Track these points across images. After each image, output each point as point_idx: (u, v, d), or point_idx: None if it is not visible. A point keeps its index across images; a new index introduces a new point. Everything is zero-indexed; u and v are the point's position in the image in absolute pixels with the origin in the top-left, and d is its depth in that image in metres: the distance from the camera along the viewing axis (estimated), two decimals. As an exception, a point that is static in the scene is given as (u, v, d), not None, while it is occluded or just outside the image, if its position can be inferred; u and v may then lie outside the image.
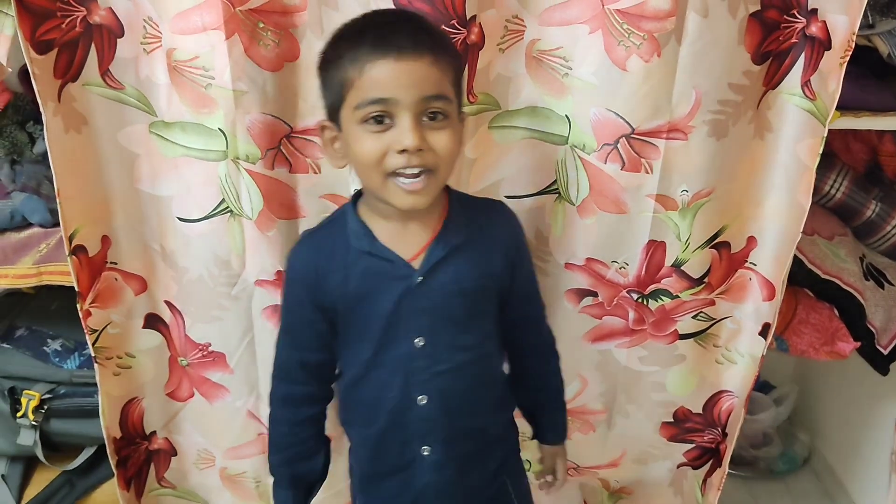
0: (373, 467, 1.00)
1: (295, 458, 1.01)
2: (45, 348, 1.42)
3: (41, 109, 0.98)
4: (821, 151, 1.04)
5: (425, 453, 0.96)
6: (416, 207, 0.85)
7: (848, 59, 0.97)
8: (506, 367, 1.07)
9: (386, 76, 0.81)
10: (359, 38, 0.83)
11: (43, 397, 1.37)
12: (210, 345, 1.17)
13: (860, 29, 1.26)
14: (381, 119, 0.82)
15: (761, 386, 1.91)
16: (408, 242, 0.91)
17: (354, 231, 0.91)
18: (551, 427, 1.11)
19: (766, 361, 1.90)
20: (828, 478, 1.79)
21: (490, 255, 0.94)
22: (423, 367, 0.93)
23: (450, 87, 0.85)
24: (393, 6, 0.94)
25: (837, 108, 1.19)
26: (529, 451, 1.33)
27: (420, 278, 0.90)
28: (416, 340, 0.92)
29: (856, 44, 1.30)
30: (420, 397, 0.94)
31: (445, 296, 0.91)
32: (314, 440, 1.01)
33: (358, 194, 0.94)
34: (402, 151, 0.82)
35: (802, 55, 1.03)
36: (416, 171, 0.83)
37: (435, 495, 0.99)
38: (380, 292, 0.91)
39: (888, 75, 1.31)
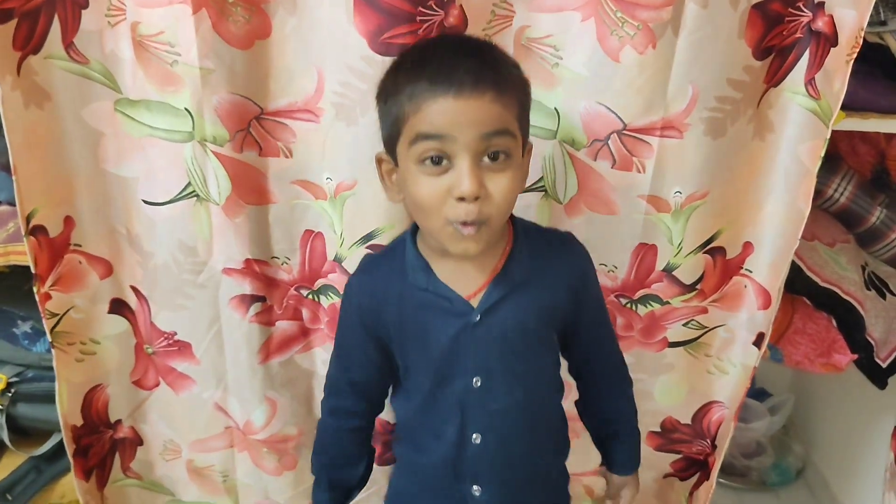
0: (418, 494, 0.97)
1: (337, 464, 1.00)
2: (14, 330, 1.38)
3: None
4: (823, 154, 0.97)
5: (476, 493, 0.92)
6: (467, 254, 0.81)
7: (855, 56, 0.90)
8: (575, 394, 1.03)
9: (444, 113, 0.75)
10: (419, 71, 0.78)
11: (10, 380, 1.33)
12: (176, 333, 1.12)
13: (871, 26, 1.21)
14: (440, 160, 0.77)
15: (757, 394, 1.85)
16: (468, 279, 0.87)
17: (412, 265, 0.87)
18: (622, 456, 1.05)
19: (763, 369, 1.86)
20: (821, 492, 1.73)
21: (553, 290, 0.90)
22: (478, 405, 0.89)
23: (514, 121, 0.79)
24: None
25: (843, 109, 1.13)
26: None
27: (478, 317, 0.85)
28: (473, 379, 0.88)
29: (866, 41, 1.25)
30: (475, 435, 0.90)
31: (504, 334, 0.87)
32: (357, 449, 1.00)
33: (415, 225, 0.89)
34: (461, 199, 0.77)
35: (807, 51, 0.97)
36: (473, 220, 0.77)
37: None
38: (436, 328, 0.87)
39: (897, 76, 1.25)
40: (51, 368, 1.33)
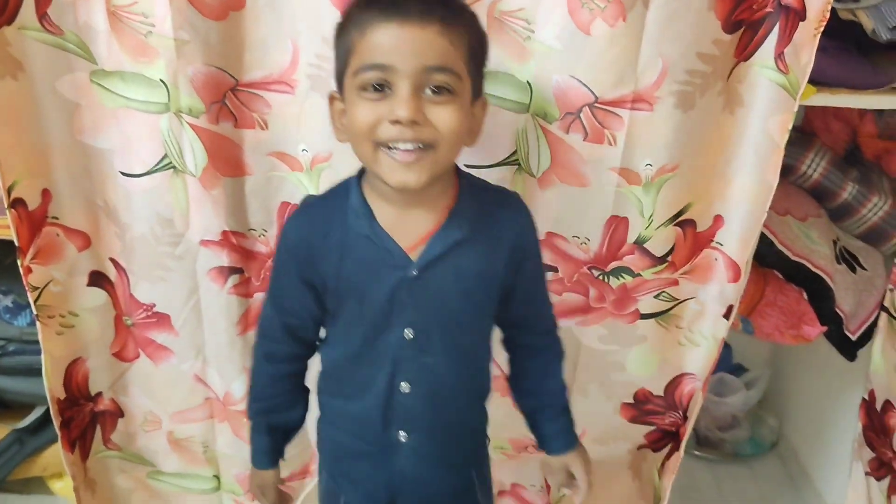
0: (350, 445, 0.98)
1: (274, 409, 0.99)
2: (-5, 304, 1.39)
3: (-29, 53, 0.93)
4: (790, 128, 0.99)
5: (403, 439, 0.94)
6: (407, 185, 0.79)
7: (822, 30, 0.92)
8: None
9: (387, 41, 0.75)
10: (370, 2, 0.78)
11: (-10, 353, 1.35)
12: (154, 305, 1.14)
13: (844, 2, 1.23)
14: (381, 87, 0.77)
15: (733, 369, 1.88)
16: (409, 229, 0.86)
17: (354, 209, 0.86)
18: (555, 435, 1.02)
19: (739, 345, 1.89)
20: (793, 464, 1.78)
21: (494, 252, 0.89)
22: (410, 357, 0.90)
23: (461, 62, 0.78)
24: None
25: (815, 84, 1.16)
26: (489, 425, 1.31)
27: (415, 272, 0.85)
28: (406, 331, 0.88)
29: (840, 18, 1.26)
30: (404, 384, 0.91)
31: (441, 292, 0.87)
32: (293, 393, 1.00)
33: (363, 169, 0.88)
34: (396, 122, 0.76)
35: (777, 25, 0.98)
36: (409, 145, 0.77)
37: (408, 480, 0.96)
38: (374, 281, 0.87)
39: (872, 52, 1.27)
40: (32, 342, 1.34)
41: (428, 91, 0.77)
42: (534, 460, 1.45)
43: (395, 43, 0.75)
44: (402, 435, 0.93)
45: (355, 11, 0.79)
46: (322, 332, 0.96)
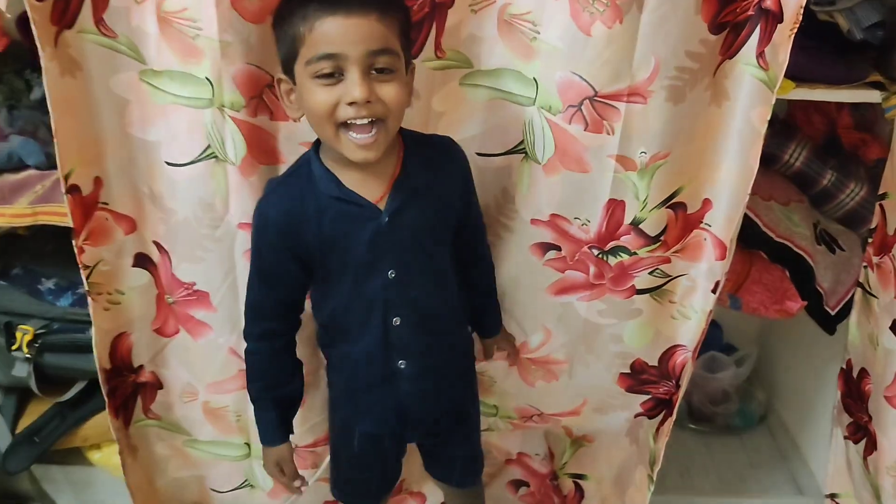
0: (357, 381, 1.11)
1: (276, 384, 1.12)
2: (39, 286, 1.49)
3: (39, 54, 1.03)
4: (769, 118, 1.10)
5: (402, 366, 1.08)
6: (367, 160, 0.94)
7: (796, 30, 1.03)
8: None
9: (334, 32, 0.88)
10: None
11: (37, 332, 1.44)
12: (195, 284, 1.24)
13: (822, 5, 1.34)
14: (332, 73, 0.89)
15: (724, 348, 2.00)
16: (371, 186, 1.00)
17: (320, 177, 0.99)
18: (491, 324, 1.27)
19: (730, 326, 2.01)
20: (781, 434, 1.89)
21: (447, 191, 1.06)
22: (396, 294, 1.04)
23: (396, 41, 0.92)
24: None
25: (795, 80, 1.27)
26: (496, 396, 1.43)
27: (387, 219, 0.99)
28: (388, 273, 1.02)
29: (819, 19, 1.37)
30: (395, 319, 1.05)
31: (412, 232, 1.02)
32: (291, 366, 1.13)
33: (318, 143, 1.02)
34: (352, 103, 0.89)
35: (758, 27, 1.08)
36: (366, 121, 0.90)
37: (414, 401, 1.11)
38: (353, 234, 1.00)
39: (848, 50, 1.38)
40: (74, 321, 1.45)
41: (373, 72, 0.90)
42: (539, 431, 1.58)
43: (341, 33, 0.88)
44: (402, 363, 1.08)
45: (296, 4, 0.90)
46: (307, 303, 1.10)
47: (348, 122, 0.90)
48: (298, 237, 1.01)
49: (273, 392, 1.12)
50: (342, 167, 0.99)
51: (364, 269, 1.02)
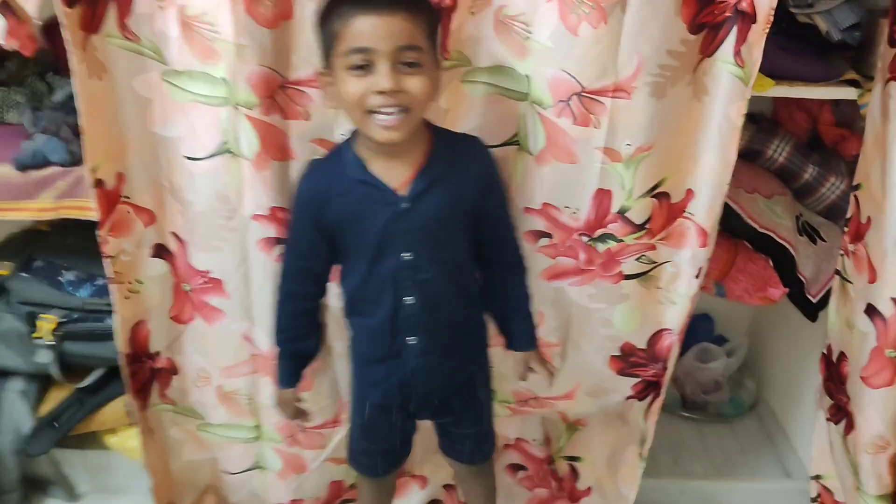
0: (370, 353, 1.22)
1: (295, 338, 1.24)
2: (59, 278, 1.58)
3: (69, 56, 1.12)
4: (745, 112, 1.17)
5: (411, 342, 1.17)
6: (391, 141, 1.03)
7: (768, 30, 1.10)
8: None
9: (366, 29, 0.98)
10: None
11: (58, 321, 1.53)
12: (210, 272, 1.32)
13: (802, 7, 1.42)
14: (363, 65, 0.99)
15: (716, 339, 2.07)
16: (396, 173, 1.09)
17: (349, 162, 1.10)
18: (519, 335, 1.29)
19: (721, 318, 2.08)
20: (770, 422, 1.96)
21: (466, 184, 1.13)
22: (409, 276, 1.13)
23: (424, 39, 1.02)
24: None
25: (775, 78, 1.35)
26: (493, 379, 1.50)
27: (406, 205, 1.09)
28: (402, 255, 1.12)
29: (797, 21, 1.45)
30: (407, 298, 1.14)
31: (427, 219, 1.11)
32: (310, 325, 1.25)
33: (355, 132, 1.12)
34: (380, 93, 0.99)
35: (735, 27, 1.16)
36: (391, 109, 1.00)
37: (420, 376, 1.20)
38: (372, 215, 1.10)
39: (827, 50, 1.46)
40: (93, 311, 1.54)
41: (401, 65, 1.00)
42: (536, 417, 1.65)
43: (373, 30, 0.98)
44: (410, 339, 1.16)
45: (335, 4, 1.01)
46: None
47: (375, 109, 1.00)
48: (323, 214, 1.11)
49: (291, 344, 1.24)
50: (372, 155, 1.09)
51: (380, 249, 1.12)
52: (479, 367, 1.31)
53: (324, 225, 1.12)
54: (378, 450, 1.32)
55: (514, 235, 1.25)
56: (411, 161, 1.10)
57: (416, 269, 1.12)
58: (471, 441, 1.36)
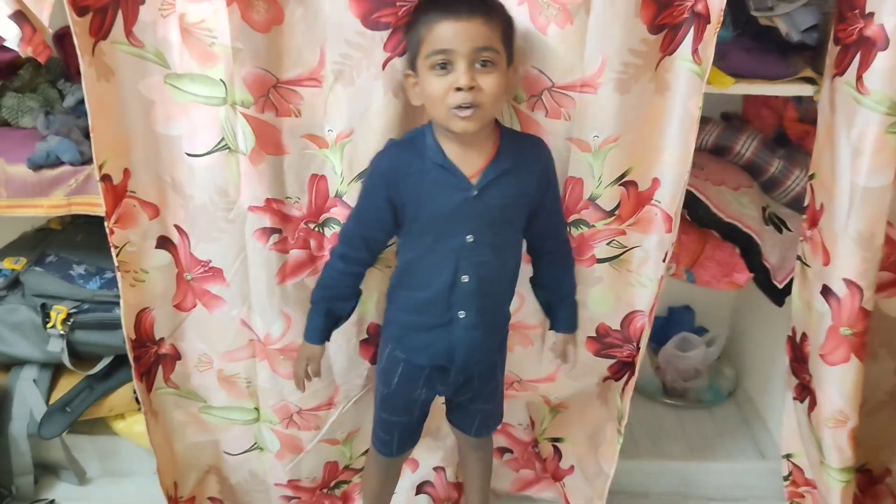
0: (417, 321, 1.32)
1: (334, 297, 1.35)
2: (70, 272, 1.67)
3: (80, 60, 1.22)
4: (701, 105, 1.27)
5: (461, 316, 1.29)
6: (466, 131, 1.15)
7: (718, 28, 1.20)
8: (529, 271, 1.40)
9: (447, 33, 1.11)
10: (430, 5, 1.14)
11: (69, 311, 1.62)
12: (211, 261, 1.41)
13: (764, 10, 1.52)
14: (445, 65, 1.12)
15: (696, 330, 2.16)
16: (470, 162, 1.21)
17: (431, 147, 1.21)
18: (564, 319, 1.44)
19: (702, 309, 2.17)
20: (748, 407, 2.05)
21: (528, 179, 1.25)
22: (468, 256, 1.25)
23: (498, 41, 1.14)
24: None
25: (736, 76, 1.45)
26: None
27: (476, 192, 1.21)
28: (466, 237, 1.23)
29: (759, 24, 1.55)
30: (464, 277, 1.26)
31: (493, 207, 1.22)
32: (353, 290, 1.36)
33: (430, 123, 1.23)
34: (458, 89, 1.11)
35: (692, 28, 1.26)
36: (468, 104, 1.12)
37: (463, 346, 1.31)
38: (444, 198, 1.22)
39: (788, 50, 1.56)
40: (102, 303, 1.63)
41: (477, 65, 1.12)
42: (521, 402, 1.74)
43: (453, 33, 1.11)
44: (461, 313, 1.28)
45: (422, 13, 1.15)
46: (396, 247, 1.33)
47: (456, 106, 1.12)
48: (397, 188, 1.22)
49: (328, 303, 1.35)
50: (449, 143, 1.20)
51: (446, 229, 1.23)
52: (501, 355, 1.44)
53: (396, 198, 1.23)
54: (397, 423, 1.43)
55: (565, 229, 1.37)
56: (483, 153, 1.21)
57: (476, 251, 1.24)
58: (481, 416, 1.48)
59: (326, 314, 1.36)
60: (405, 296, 1.33)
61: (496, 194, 1.22)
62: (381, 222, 1.27)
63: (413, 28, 1.16)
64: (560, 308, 1.43)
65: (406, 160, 1.23)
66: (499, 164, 1.21)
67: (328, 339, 1.39)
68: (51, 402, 1.68)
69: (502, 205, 1.23)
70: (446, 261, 1.25)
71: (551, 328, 1.46)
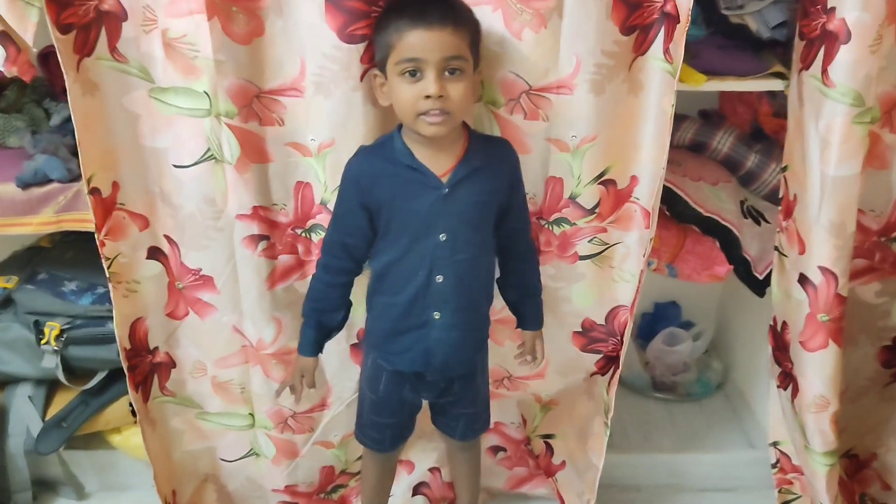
0: (395, 327, 1.33)
1: (324, 309, 1.36)
2: (62, 288, 1.69)
3: (65, 77, 1.24)
4: (674, 103, 1.30)
5: (437, 317, 1.30)
6: (437, 135, 1.18)
7: (687, 29, 1.23)
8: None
9: (417, 42, 1.13)
10: (402, 10, 1.15)
11: (63, 327, 1.64)
12: (201, 269, 1.44)
13: (734, 9, 1.56)
14: (414, 73, 1.14)
15: (683, 324, 2.19)
16: (439, 163, 1.24)
17: (400, 150, 1.24)
18: (531, 316, 1.46)
19: (688, 303, 2.21)
20: (737, 400, 2.07)
21: (497, 177, 1.28)
22: (444, 256, 1.26)
23: (466, 49, 1.16)
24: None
25: (708, 74, 1.48)
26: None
27: (447, 190, 1.23)
28: (440, 236, 1.25)
29: (730, 22, 1.59)
30: (439, 276, 1.27)
31: (464, 204, 1.25)
32: (340, 300, 1.36)
33: (400, 126, 1.25)
34: (427, 97, 1.13)
35: (662, 28, 1.30)
36: (437, 112, 1.15)
37: (440, 347, 1.32)
38: (417, 198, 1.24)
39: (760, 48, 1.59)
40: (94, 318, 1.65)
41: (446, 73, 1.15)
42: (512, 401, 1.76)
43: (423, 42, 1.13)
44: (436, 314, 1.30)
45: (392, 17, 1.16)
46: (371, 253, 1.32)
47: (424, 112, 1.15)
48: (371, 193, 1.24)
49: (318, 315, 1.36)
50: (417, 146, 1.23)
51: (421, 229, 1.25)
52: (482, 357, 1.45)
53: (370, 202, 1.25)
54: (388, 423, 1.46)
55: (530, 233, 1.40)
56: (452, 154, 1.24)
57: (449, 250, 1.26)
58: (465, 420, 1.49)
59: (317, 326, 1.37)
60: (382, 301, 1.34)
61: (467, 192, 1.24)
62: (359, 228, 1.28)
63: (383, 31, 1.17)
64: (527, 306, 1.45)
65: (377, 164, 1.25)
66: (468, 162, 1.24)
67: (321, 352, 1.40)
68: (47, 417, 1.70)
69: (474, 202, 1.25)
70: (421, 262, 1.27)
71: (518, 326, 1.48)
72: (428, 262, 1.26)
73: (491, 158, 1.27)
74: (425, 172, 1.23)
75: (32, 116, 1.72)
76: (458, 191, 1.24)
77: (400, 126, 1.26)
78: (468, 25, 1.18)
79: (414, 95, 1.15)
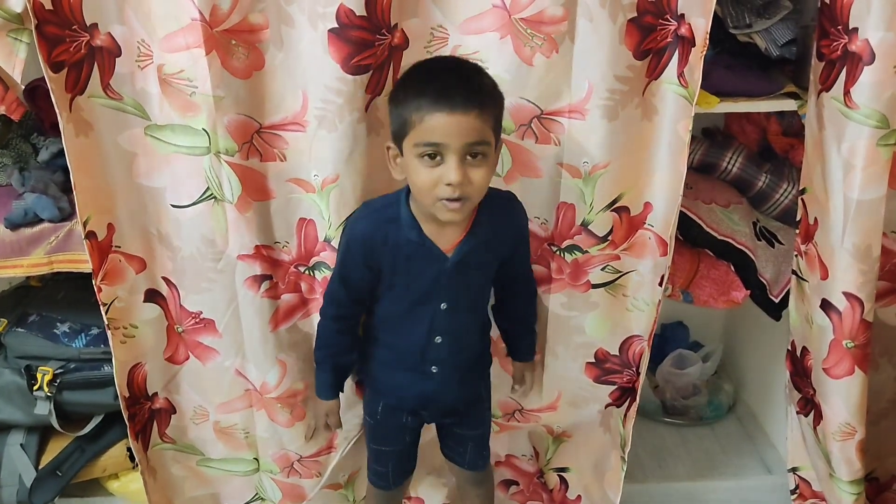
0: (390, 366, 1.34)
1: (338, 353, 1.36)
2: (54, 331, 1.63)
3: (58, 117, 1.19)
4: (691, 128, 1.26)
5: (434, 371, 1.32)
6: (453, 221, 1.16)
7: (705, 51, 1.20)
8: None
9: (440, 125, 1.07)
10: (424, 87, 1.08)
11: (56, 372, 1.58)
12: (201, 312, 1.38)
13: (740, 29, 1.52)
14: (435, 156, 1.08)
15: (691, 346, 2.15)
16: (445, 237, 1.21)
17: (406, 222, 1.20)
18: (524, 347, 1.47)
19: (696, 324, 2.16)
20: (749, 421, 2.03)
21: (503, 242, 1.28)
22: (442, 320, 1.28)
23: (490, 132, 1.11)
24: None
25: (719, 95, 1.45)
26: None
27: (451, 265, 1.22)
28: (441, 304, 1.26)
29: (739, 41, 1.55)
30: (437, 338, 1.29)
31: (467, 276, 1.25)
32: (352, 342, 1.36)
33: (408, 189, 1.19)
34: (448, 185, 1.08)
35: (677, 51, 1.26)
36: (457, 199, 1.10)
37: (435, 396, 1.35)
38: (419, 270, 1.23)
39: (769, 66, 1.56)
40: (88, 361, 1.59)
41: (468, 157, 1.09)
42: (523, 433, 1.71)
43: (445, 127, 1.06)
44: (434, 368, 1.29)
45: (412, 94, 1.09)
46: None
47: (444, 198, 1.10)
48: (374, 258, 1.23)
49: (333, 359, 1.35)
50: (425, 219, 1.19)
51: (423, 297, 1.25)
52: (485, 378, 1.45)
53: (374, 264, 1.23)
54: (389, 452, 1.42)
55: (530, 268, 1.39)
56: (459, 226, 1.21)
57: (450, 316, 1.27)
58: (473, 443, 1.46)
59: (333, 370, 1.36)
60: (380, 339, 1.34)
61: (471, 263, 1.23)
62: (367, 282, 1.27)
63: (401, 106, 1.10)
64: (521, 337, 1.45)
65: (381, 230, 1.21)
66: (475, 235, 1.22)
67: (342, 391, 1.38)
68: (41, 466, 1.63)
69: (477, 272, 1.26)
70: (421, 322, 1.27)
71: (508, 355, 1.48)
72: (427, 324, 1.27)
73: (497, 225, 1.25)
74: (431, 248, 1.21)
75: (20, 152, 1.65)
76: (461, 264, 1.22)
77: (407, 190, 1.20)
78: (493, 107, 1.12)
79: (433, 180, 1.10)
